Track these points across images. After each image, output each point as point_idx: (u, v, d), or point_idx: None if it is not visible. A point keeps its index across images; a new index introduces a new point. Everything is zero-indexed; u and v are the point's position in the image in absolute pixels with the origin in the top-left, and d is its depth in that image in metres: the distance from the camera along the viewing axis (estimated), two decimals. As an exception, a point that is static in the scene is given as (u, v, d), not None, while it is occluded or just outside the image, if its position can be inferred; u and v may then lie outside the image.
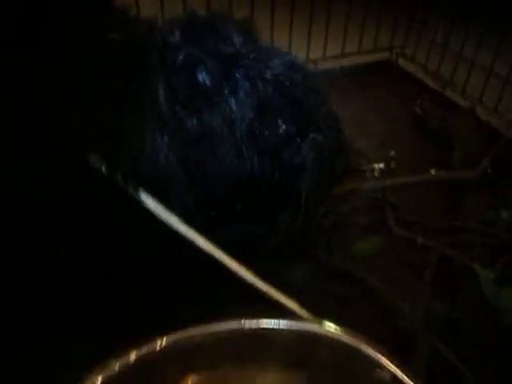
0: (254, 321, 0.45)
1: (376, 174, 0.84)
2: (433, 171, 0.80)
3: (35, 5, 0.48)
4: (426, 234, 0.70)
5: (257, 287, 0.49)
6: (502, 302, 0.58)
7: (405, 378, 0.42)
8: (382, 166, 0.85)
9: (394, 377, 0.42)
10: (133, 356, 0.42)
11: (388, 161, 0.85)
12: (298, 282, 0.57)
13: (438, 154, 0.87)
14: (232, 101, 0.49)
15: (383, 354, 0.43)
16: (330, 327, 0.45)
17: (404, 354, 0.52)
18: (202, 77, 0.49)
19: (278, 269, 0.53)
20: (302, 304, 0.50)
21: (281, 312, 0.49)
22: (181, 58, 0.49)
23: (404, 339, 0.56)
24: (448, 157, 0.84)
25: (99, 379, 0.41)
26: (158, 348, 0.43)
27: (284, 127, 0.51)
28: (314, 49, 1.10)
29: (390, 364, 0.42)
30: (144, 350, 0.43)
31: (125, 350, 0.43)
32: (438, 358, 0.54)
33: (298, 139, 0.52)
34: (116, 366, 0.42)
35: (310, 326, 0.45)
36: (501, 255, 0.65)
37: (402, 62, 1.19)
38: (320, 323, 0.45)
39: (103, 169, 0.48)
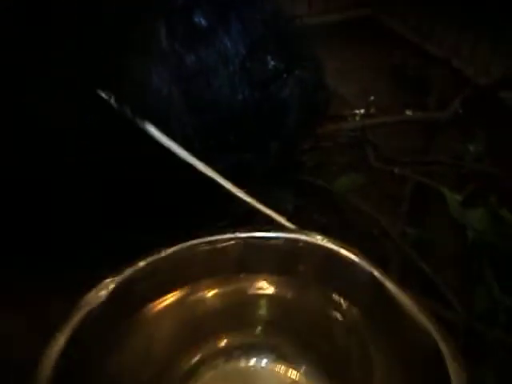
0: (247, 231, 0.52)
1: (357, 118, 0.90)
2: (408, 112, 0.87)
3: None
4: (403, 167, 0.77)
5: (250, 204, 0.55)
6: (467, 221, 0.65)
7: (381, 276, 0.49)
8: (362, 111, 0.91)
9: (372, 276, 0.49)
10: (142, 263, 0.49)
11: (368, 106, 0.91)
12: (285, 205, 0.64)
13: (414, 99, 0.93)
14: (226, 39, 0.55)
15: (362, 258, 0.50)
16: (317, 236, 0.52)
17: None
18: (199, 18, 0.55)
19: (268, 191, 0.60)
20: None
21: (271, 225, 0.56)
22: (180, 1, 0.55)
23: (381, 258, 0.63)
24: (423, 101, 0.91)
25: (113, 283, 0.48)
26: (163, 255, 0.50)
27: (272, 63, 0.57)
28: (299, 4, 1.14)
29: (369, 264, 0.50)
30: (151, 258, 0.50)
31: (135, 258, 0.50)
32: (413, 268, 0.62)
33: (285, 75, 0.58)
34: (127, 271, 0.49)
35: (298, 235, 0.52)
36: (467, 182, 0.73)
37: (383, 16, 1.23)
38: (306, 233, 0.53)
39: (113, 102, 0.55)
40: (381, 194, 0.74)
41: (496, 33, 0.97)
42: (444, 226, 0.68)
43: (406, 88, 0.97)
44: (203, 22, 0.55)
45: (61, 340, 0.42)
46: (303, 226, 0.56)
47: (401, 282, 0.53)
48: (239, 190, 0.57)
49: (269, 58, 0.57)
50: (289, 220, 0.57)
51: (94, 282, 0.47)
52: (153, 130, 0.55)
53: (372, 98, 0.92)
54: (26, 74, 0.53)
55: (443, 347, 0.42)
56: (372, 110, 0.92)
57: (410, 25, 1.16)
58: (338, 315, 0.48)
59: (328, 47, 1.10)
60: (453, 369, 0.41)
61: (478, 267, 0.61)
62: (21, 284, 0.59)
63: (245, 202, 0.57)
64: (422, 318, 0.45)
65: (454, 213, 0.67)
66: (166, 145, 0.55)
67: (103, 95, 0.55)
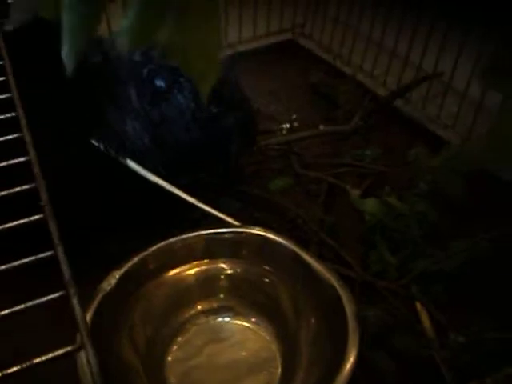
0: (207, 229, 0.75)
1: (284, 132, 1.11)
2: (321, 126, 1.10)
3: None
4: (319, 169, 0.99)
5: (206, 211, 0.78)
6: (365, 208, 0.88)
7: (301, 252, 0.72)
8: (287, 125, 1.12)
9: (295, 252, 0.72)
10: (136, 258, 0.71)
11: (292, 121, 1.13)
12: (232, 208, 0.86)
13: (328, 113, 1.15)
14: (180, 97, 0.77)
15: (287, 240, 0.73)
16: (258, 228, 0.75)
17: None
18: (159, 83, 0.77)
19: (218, 199, 0.82)
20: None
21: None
22: (145, 71, 0.77)
23: (303, 240, 0.85)
24: (334, 115, 1.14)
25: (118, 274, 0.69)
26: (150, 251, 0.72)
27: (215, 110, 0.80)
28: (231, 34, 1.32)
29: (293, 244, 0.73)
30: (141, 254, 0.71)
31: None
32: (327, 245, 0.86)
33: (225, 117, 0.81)
34: (126, 264, 0.70)
35: (242, 229, 0.75)
36: (365, 179, 0.96)
37: (302, 40, 1.41)
38: (247, 227, 0.75)
39: (101, 146, 0.76)
40: (303, 192, 0.97)
41: (393, 49, 1.17)
42: (348, 213, 0.91)
43: (321, 104, 1.19)
44: (163, 85, 0.77)
45: (88, 315, 0.63)
46: (245, 222, 0.77)
47: (318, 256, 0.77)
48: (196, 200, 0.79)
49: (212, 106, 0.79)
50: (234, 219, 0.79)
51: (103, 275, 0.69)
52: (131, 163, 0.77)
53: (294, 116, 1.15)
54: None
55: (342, 293, 0.66)
56: (295, 124, 1.14)
57: (324, 46, 1.37)
58: (271, 281, 0.72)
59: (257, 70, 1.32)
60: (348, 306, 0.64)
61: (372, 240, 0.85)
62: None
63: (201, 208, 0.79)
64: (329, 277, 0.68)
65: (355, 203, 0.91)
66: (141, 173, 0.77)
67: (93, 142, 0.77)
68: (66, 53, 0.40)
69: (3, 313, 0.36)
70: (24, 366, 0.30)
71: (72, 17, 0.41)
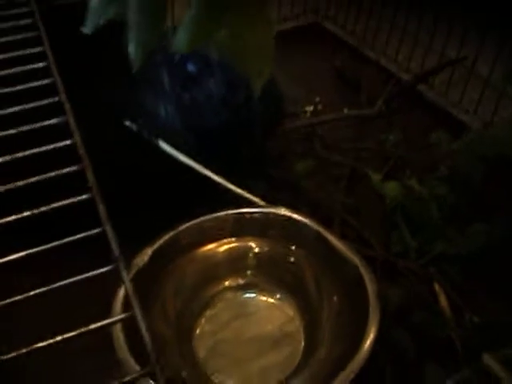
0: (235, 209, 0.79)
1: (308, 114, 1.14)
2: (345, 110, 1.13)
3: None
4: (341, 153, 1.02)
5: (234, 191, 0.81)
6: (386, 192, 0.91)
7: (324, 231, 0.76)
8: (311, 108, 1.15)
9: (318, 232, 0.75)
10: (168, 235, 0.75)
11: (315, 104, 1.16)
12: (259, 190, 0.89)
13: (352, 97, 1.17)
14: (210, 82, 0.80)
15: (312, 220, 0.77)
16: (284, 209, 0.78)
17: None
18: (191, 67, 0.81)
19: (246, 181, 0.85)
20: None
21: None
22: (177, 56, 0.80)
23: (327, 220, 0.88)
24: (358, 99, 1.16)
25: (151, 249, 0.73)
26: (182, 229, 0.76)
27: (243, 96, 0.83)
28: None
29: (316, 224, 0.76)
30: (173, 231, 0.75)
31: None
32: (349, 227, 0.89)
33: (253, 102, 0.84)
34: (159, 240, 0.74)
35: (268, 209, 0.79)
36: (386, 163, 0.99)
37: (327, 23, 1.43)
38: (274, 207, 0.79)
39: (134, 127, 0.80)
40: (326, 175, 1.00)
41: (416, 34, 1.18)
42: (370, 196, 0.94)
43: (345, 88, 1.22)
44: (194, 70, 0.80)
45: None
46: (271, 203, 0.80)
47: (340, 236, 0.80)
48: (225, 181, 0.82)
49: (240, 91, 0.82)
50: (262, 200, 0.82)
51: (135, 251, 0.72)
52: (163, 145, 0.81)
53: (318, 98, 1.17)
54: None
55: (364, 272, 0.69)
56: (319, 107, 1.17)
57: (349, 30, 1.39)
58: (295, 259, 0.75)
59: (282, 52, 1.34)
60: (369, 285, 0.67)
61: (393, 222, 0.88)
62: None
63: (230, 189, 0.82)
64: (352, 256, 0.71)
65: (376, 186, 0.93)
66: (173, 154, 0.81)
67: (127, 123, 0.80)
68: (133, 49, 0.43)
69: (55, 286, 0.39)
70: (83, 330, 0.33)
71: (140, 16, 0.44)
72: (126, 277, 0.37)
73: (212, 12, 0.39)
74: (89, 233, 0.41)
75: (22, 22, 0.72)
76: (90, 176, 0.46)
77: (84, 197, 0.44)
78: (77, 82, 0.77)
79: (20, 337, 0.66)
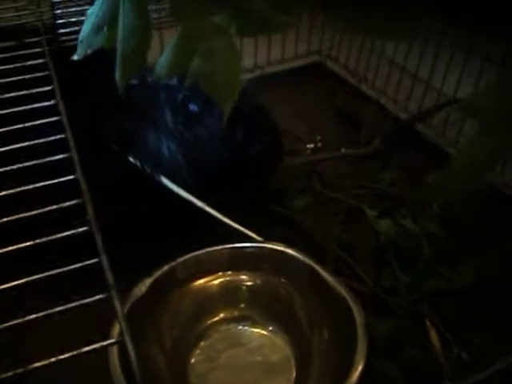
0: (231, 243, 0.81)
1: (309, 152, 1.17)
2: (343, 149, 1.16)
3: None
4: (338, 190, 1.05)
5: (232, 226, 0.84)
6: (380, 228, 0.94)
7: (317, 266, 0.78)
8: (312, 146, 1.19)
9: (311, 266, 0.78)
10: (165, 267, 0.78)
11: (316, 142, 1.20)
12: (257, 225, 0.91)
13: (351, 135, 1.20)
14: (211, 121, 0.84)
15: (305, 256, 0.79)
16: (279, 244, 0.81)
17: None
18: (192, 107, 0.85)
19: (243, 216, 0.88)
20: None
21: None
22: (180, 97, 0.84)
23: (320, 254, 0.91)
24: (357, 137, 1.20)
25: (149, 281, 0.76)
26: (178, 262, 0.78)
27: (243, 133, 0.86)
28: (260, 56, 1.38)
29: (309, 260, 0.79)
30: (170, 264, 0.78)
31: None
32: (342, 262, 0.91)
33: (253, 140, 0.88)
34: (156, 273, 0.77)
35: (264, 244, 0.81)
36: (381, 201, 1.02)
37: (329, 62, 1.48)
38: (270, 242, 0.82)
39: (138, 163, 0.83)
40: (323, 211, 1.03)
41: (415, 72, 1.22)
42: (365, 232, 0.97)
43: (345, 125, 1.26)
44: (196, 109, 0.84)
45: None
46: (268, 238, 0.83)
47: (334, 271, 0.83)
48: (223, 216, 0.85)
49: (238, 129, 0.86)
50: (258, 235, 0.85)
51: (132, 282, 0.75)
52: (165, 180, 0.84)
53: (319, 137, 1.21)
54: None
55: (353, 305, 0.71)
56: (319, 145, 1.20)
57: (350, 69, 1.43)
58: (288, 292, 0.78)
59: (285, 91, 1.39)
60: (358, 317, 0.70)
61: (386, 258, 0.90)
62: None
63: (227, 224, 0.85)
64: (342, 290, 0.73)
65: (371, 223, 0.96)
66: (174, 190, 0.84)
67: (131, 159, 0.84)
68: (118, 76, 0.48)
69: (50, 311, 0.42)
70: (75, 353, 0.36)
71: (124, 47, 0.49)
72: (118, 305, 0.40)
73: (188, 43, 0.44)
74: (86, 263, 0.44)
75: (34, 62, 0.76)
76: (89, 210, 0.49)
77: (83, 229, 0.48)
78: (80, 116, 0.82)
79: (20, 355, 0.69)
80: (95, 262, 0.44)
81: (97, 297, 0.40)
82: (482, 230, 0.94)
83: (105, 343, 0.37)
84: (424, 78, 1.21)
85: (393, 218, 0.95)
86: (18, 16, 0.89)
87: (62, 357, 0.37)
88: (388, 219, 0.95)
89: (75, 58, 0.60)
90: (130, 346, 0.36)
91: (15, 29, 0.88)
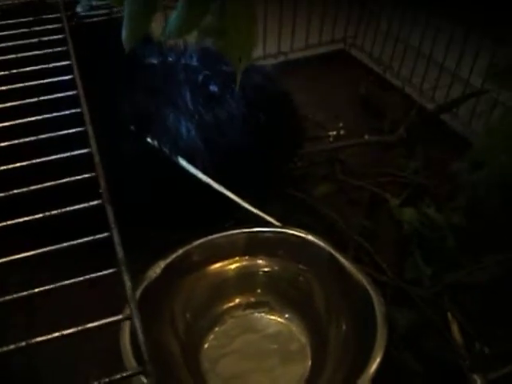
0: (249, 228, 0.80)
1: (331, 139, 1.15)
2: (366, 136, 1.14)
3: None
4: (361, 178, 1.02)
5: (252, 211, 0.82)
6: (403, 217, 0.91)
7: (336, 253, 0.76)
8: (334, 133, 1.17)
9: (330, 253, 0.76)
10: (181, 250, 0.76)
11: (339, 129, 1.17)
12: (276, 210, 0.89)
13: (374, 123, 1.18)
14: (231, 102, 0.82)
15: (325, 242, 0.77)
16: (298, 230, 0.79)
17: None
18: (213, 88, 0.82)
19: (263, 202, 0.86)
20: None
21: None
22: (200, 77, 0.82)
23: (340, 243, 0.89)
24: (381, 125, 1.17)
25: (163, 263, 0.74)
26: (194, 245, 0.77)
27: (263, 117, 0.84)
28: (283, 43, 1.35)
29: (329, 246, 0.76)
30: (186, 246, 0.76)
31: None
32: (363, 251, 0.89)
33: (274, 124, 0.86)
34: (171, 255, 0.75)
35: (282, 229, 0.79)
36: (405, 190, 0.99)
37: (353, 51, 1.45)
38: (288, 228, 0.79)
39: (156, 143, 0.82)
40: (345, 199, 1.00)
41: (442, 62, 1.19)
42: (388, 221, 0.94)
43: (368, 114, 1.23)
44: (216, 90, 0.82)
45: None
46: (288, 224, 0.81)
47: (354, 259, 0.80)
48: (242, 200, 0.83)
49: (261, 113, 0.84)
50: (278, 221, 0.83)
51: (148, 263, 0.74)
52: (183, 162, 0.82)
53: (341, 124, 1.18)
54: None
55: (373, 295, 0.69)
56: (342, 133, 1.18)
57: (375, 57, 1.41)
58: (306, 279, 0.76)
59: (308, 79, 1.36)
60: (378, 307, 0.67)
61: (408, 248, 0.88)
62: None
63: (246, 208, 0.83)
64: (362, 279, 0.71)
65: (394, 212, 0.94)
66: (191, 171, 0.82)
67: (149, 139, 0.82)
68: (125, 36, 0.47)
69: (59, 284, 0.41)
70: (80, 328, 0.35)
71: (133, 7, 0.47)
72: (128, 280, 0.38)
73: (197, 4, 0.43)
74: (97, 236, 0.43)
75: (53, 37, 0.75)
76: (102, 183, 0.47)
77: (95, 202, 0.46)
78: (98, 95, 0.81)
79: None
80: (106, 236, 0.42)
81: (106, 271, 0.39)
82: (506, 221, 0.91)
83: (110, 320, 0.35)
84: (451, 67, 1.18)
85: (416, 208, 0.92)
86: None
87: (66, 332, 0.35)
88: (411, 208, 0.92)
89: (78, 9, 0.59)
90: (137, 324, 0.34)
91: (35, 4, 0.87)
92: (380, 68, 1.37)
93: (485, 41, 1.07)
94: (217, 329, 0.75)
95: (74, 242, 0.43)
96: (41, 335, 0.35)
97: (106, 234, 0.42)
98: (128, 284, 0.37)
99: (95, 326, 0.36)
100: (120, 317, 0.36)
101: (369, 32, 1.41)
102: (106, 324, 0.36)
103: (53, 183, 0.50)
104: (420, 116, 1.16)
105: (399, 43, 1.31)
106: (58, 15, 0.80)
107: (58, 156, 0.53)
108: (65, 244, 0.42)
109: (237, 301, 0.77)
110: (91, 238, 0.42)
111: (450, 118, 1.19)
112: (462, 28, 1.11)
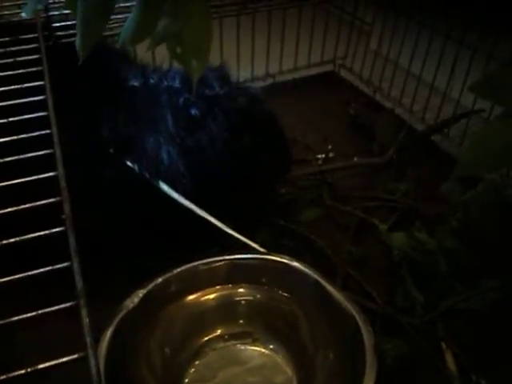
0: (232, 254, 0.76)
1: (319, 162, 1.12)
2: (355, 158, 1.11)
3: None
4: (350, 202, 0.99)
5: (236, 237, 0.78)
6: (392, 242, 0.88)
7: (323, 281, 0.73)
8: (323, 156, 1.14)
9: (317, 281, 0.72)
10: (160, 278, 0.72)
11: (327, 152, 1.15)
12: (261, 236, 0.86)
13: (364, 145, 1.16)
14: (213, 126, 0.79)
15: (311, 269, 0.74)
16: (282, 256, 0.76)
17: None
18: (194, 112, 0.79)
19: (248, 227, 0.83)
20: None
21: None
22: (181, 100, 0.79)
23: (329, 270, 0.85)
24: (370, 147, 1.14)
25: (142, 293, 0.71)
26: (174, 273, 0.73)
27: (247, 140, 0.81)
28: (272, 65, 1.33)
29: (316, 273, 0.73)
30: (166, 275, 0.73)
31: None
32: (351, 278, 0.85)
33: (259, 147, 0.83)
34: (150, 284, 0.72)
35: (266, 256, 0.76)
36: (393, 213, 0.96)
37: (343, 72, 1.44)
38: (273, 254, 0.76)
39: (136, 168, 0.78)
40: (333, 224, 0.97)
41: (433, 82, 1.17)
42: (377, 247, 0.91)
43: (358, 135, 1.20)
44: (197, 114, 0.79)
45: (109, 331, 0.65)
46: (273, 250, 0.77)
47: (343, 287, 0.77)
48: (225, 226, 0.80)
49: (245, 137, 0.81)
50: (263, 247, 0.79)
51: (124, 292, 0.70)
52: (164, 187, 0.79)
53: (330, 146, 1.16)
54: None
55: (362, 324, 0.65)
56: (331, 155, 1.15)
57: (364, 79, 1.39)
58: (291, 308, 0.72)
59: (296, 100, 1.34)
60: (367, 338, 0.64)
61: (399, 274, 0.84)
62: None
63: (229, 234, 0.80)
64: (350, 308, 0.68)
65: (383, 237, 0.91)
66: (173, 196, 0.79)
67: (129, 163, 0.79)
68: (79, 43, 0.45)
69: (17, 318, 0.37)
70: (29, 370, 0.31)
71: (85, 9, 0.45)
72: (86, 315, 0.34)
73: (152, 3, 0.40)
74: (56, 266, 0.40)
75: (29, 58, 0.73)
76: (66, 209, 0.44)
77: (57, 229, 0.43)
78: (81, 116, 0.78)
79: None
80: (66, 266, 0.38)
81: (63, 305, 0.35)
82: (502, 243, 0.87)
83: (65, 359, 0.32)
84: (441, 88, 1.16)
85: (407, 232, 0.89)
86: (18, 13, 0.87)
87: (17, 373, 0.31)
88: (401, 232, 0.89)
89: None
90: (92, 362, 0.31)
91: (13, 25, 0.85)
92: (370, 89, 1.35)
93: (475, 59, 1.05)
94: (198, 362, 0.71)
95: (34, 272, 0.40)
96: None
97: (66, 264, 0.39)
98: (85, 321, 0.34)
99: (47, 367, 0.32)
100: (75, 356, 0.33)
101: (358, 53, 1.39)
102: (59, 364, 0.33)
103: (16, 208, 0.47)
104: (410, 137, 1.13)
105: (389, 63, 1.29)
106: (36, 35, 0.78)
107: (23, 180, 0.50)
108: (21, 275, 0.39)
109: (218, 332, 0.73)
110: (50, 268, 0.39)
111: (441, 138, 1.16)
112: (453, 44, 1.09)
